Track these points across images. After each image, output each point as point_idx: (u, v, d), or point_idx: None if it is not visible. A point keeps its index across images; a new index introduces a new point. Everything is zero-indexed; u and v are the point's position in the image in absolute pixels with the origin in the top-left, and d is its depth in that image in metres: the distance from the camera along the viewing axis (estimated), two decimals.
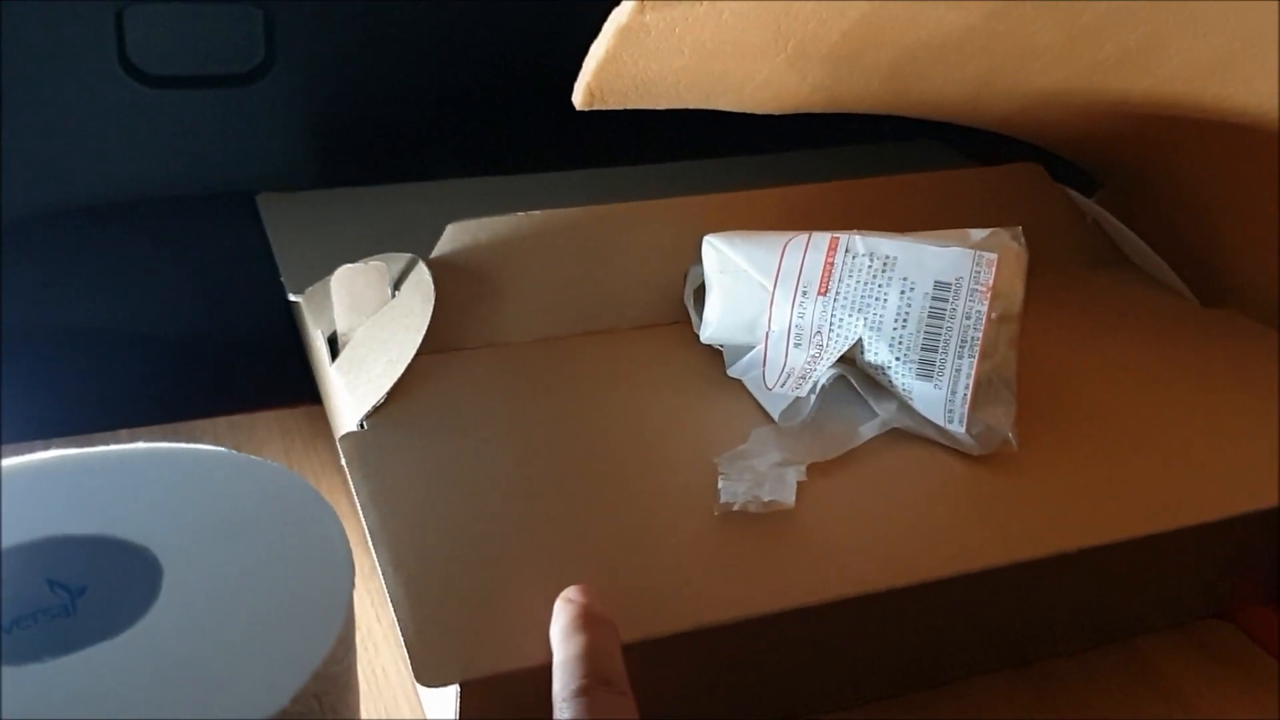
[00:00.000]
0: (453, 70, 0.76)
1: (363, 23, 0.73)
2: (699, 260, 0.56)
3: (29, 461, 0.35)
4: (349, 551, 0.32)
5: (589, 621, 0.37)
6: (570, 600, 0.38)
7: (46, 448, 0.56)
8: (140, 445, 0.36)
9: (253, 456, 0.36)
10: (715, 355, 0.54)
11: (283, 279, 0.60)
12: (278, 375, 0.66)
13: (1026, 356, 0.50)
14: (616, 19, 0.44)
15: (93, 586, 0.33)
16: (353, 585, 0.32)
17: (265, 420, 0.61)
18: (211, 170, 0.74)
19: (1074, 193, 0.66)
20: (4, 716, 0.26)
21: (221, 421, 0.60)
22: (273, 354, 0.68)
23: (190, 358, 0.70)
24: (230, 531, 0.32)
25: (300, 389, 0.63)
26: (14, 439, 0.58)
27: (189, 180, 0.73)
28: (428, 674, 0.36)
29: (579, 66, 0.50)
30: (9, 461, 0.35)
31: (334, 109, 0.75)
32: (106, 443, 0.57)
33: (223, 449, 0.36)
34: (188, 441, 0.57)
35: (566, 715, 0.33)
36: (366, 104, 0.76)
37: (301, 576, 0.31)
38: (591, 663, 0.35)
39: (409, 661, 0.37)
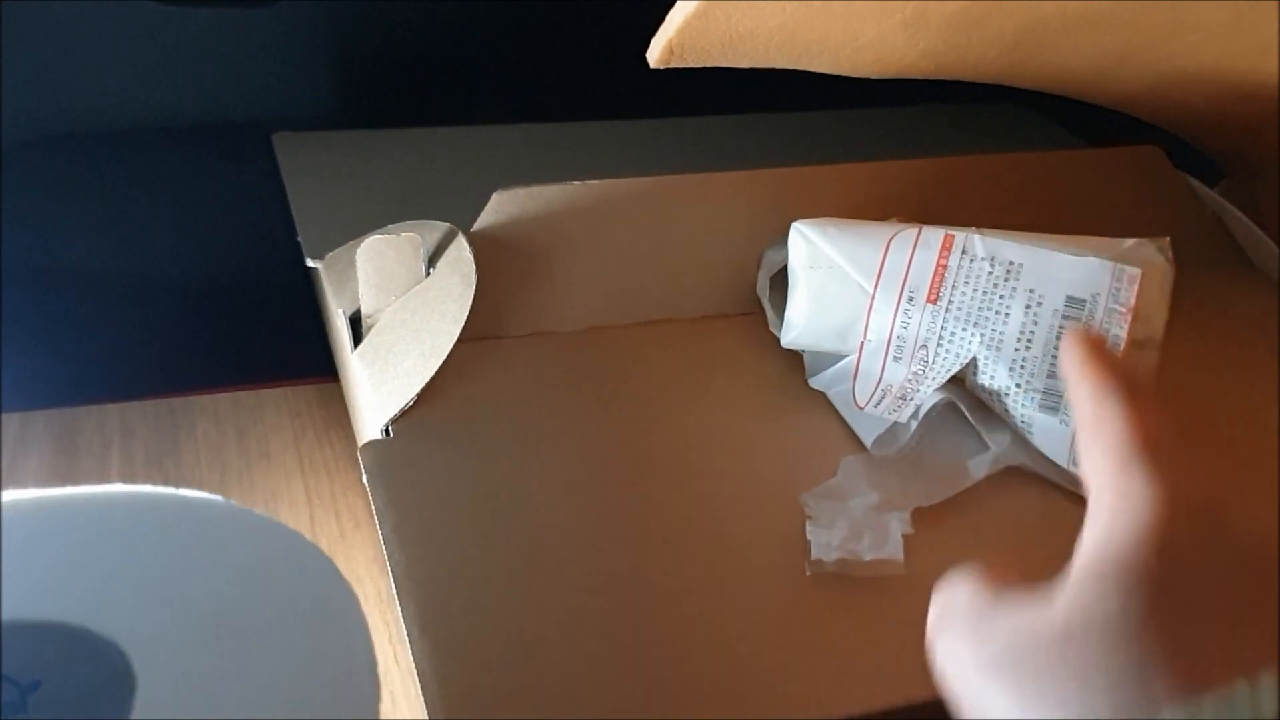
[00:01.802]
0: (492, 6, 0.70)
1: None
2: (778, 244, 0.50)
3: None
4: (375, 670, 0.25)
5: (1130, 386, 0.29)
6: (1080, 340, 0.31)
7: (24, 420, 0.51)
8: (121, 489, 0.29)
9: (257, 513, 0.29)
10: (795, 359, 0.49)
11: (300, 240, 0.53)
12: (290, 342, 0.61)
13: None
14: None
15: (50, 680, 0.26)
16: (377, 694, 0.25)
17: (273, 398, 0.55)
18: (223, 99, 0.69)
19: (1196, 182, 0.59)
20: None
21: (224, 398, 0.54)
22: (285, 316, 0.63)
23: (194, 312, 0.65)
24: (222, 629, 0.26)
25: (315, 360, 0.57)
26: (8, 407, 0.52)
27: (198, 109, 0.69)
28: None
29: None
30: None
31: (359, 37, 0.70)
32: (92, 419, 0.52)
33: (220, 499, 0.29)
34: (185, 424, 0.52)
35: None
36: (396, 33, 0.71)
37: (314, 700, 0.24)
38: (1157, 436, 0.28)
39: None
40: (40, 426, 0.51)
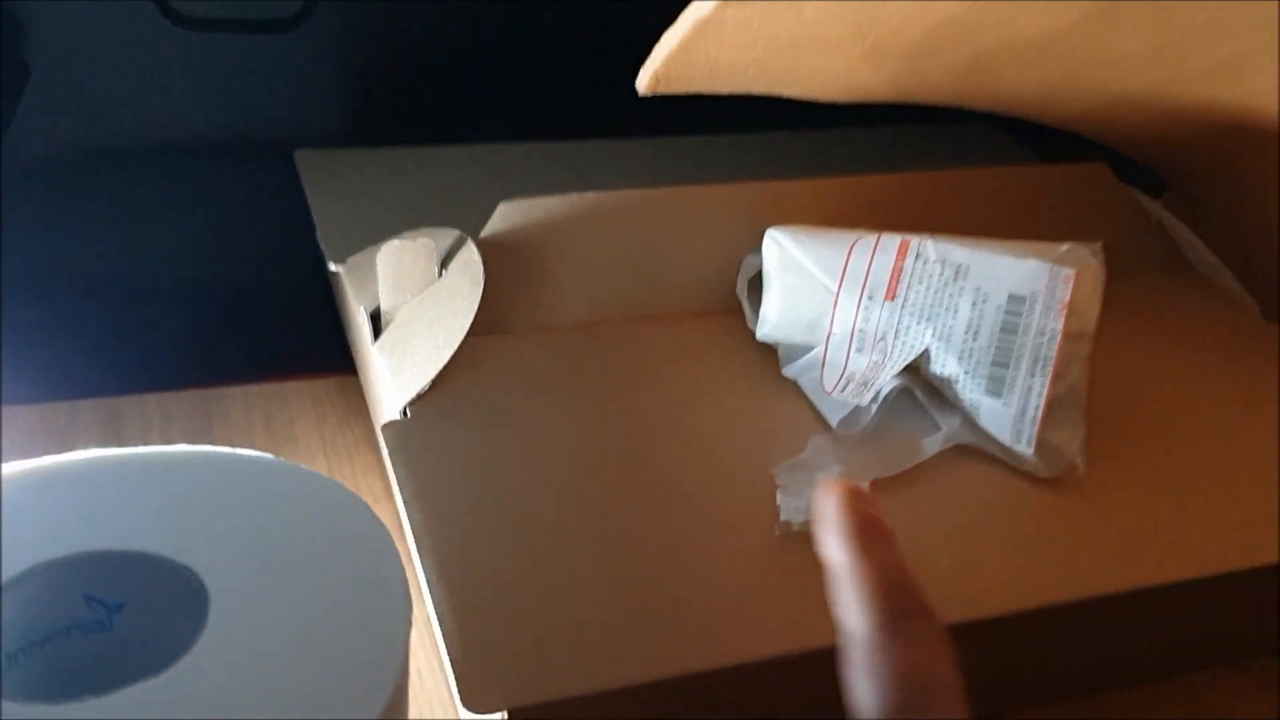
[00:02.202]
0: (499, 26, 0.74)
1: None
2: (755, 250, 0.54)
3: (66, 464, 0.33)
4: (407, 588, 0.31)
5: (875, 531, 0.31)
6: (847, 505, 0.31)
7: (73, 408, 0.56)
8: (186, 449, 0.34)
9: (304, 468, 0.34)
10: (769, 351, 0.53)
11: (322, 246, 0.58)
12: (311, 340, 0.65)
13: (1094, 373, 0.48)
14: (696, 12, 0.42)
15: (130, 605, 0.32)
16: (410, 627, 0.30)
17: (297, 390, 0.59)
18: (246, 118, 0.73)
19: (1140, 194, 0.64)
20: None
21: (253, 390, 0.59)
22: (306, 317, 0.67)
23: (220, 315, 0.69)
24: (280, 556, 0.31)
25: (334, 357, 0.62)
26: (41, 397, 0.56)
27: (223, 127, 0.72)
28: (475, 700, 0.35)
29: (633, 28, 0.48)
30: (45, 462, 0.33)
31: (375, 61, 0.74)
32: (134, 407, 0.57)
33: (272, 457, 0.34)
34: (219, 412, 0.57)
35: (888, 647, 0.28)
36: (410, 57, 0.74)
37: (357, 616, 0.30)
38: (901, 586, 0.30)
39: (455, 686, 0.35)
40: (88, 413, 0.56)
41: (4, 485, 0.32)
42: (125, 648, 0.31)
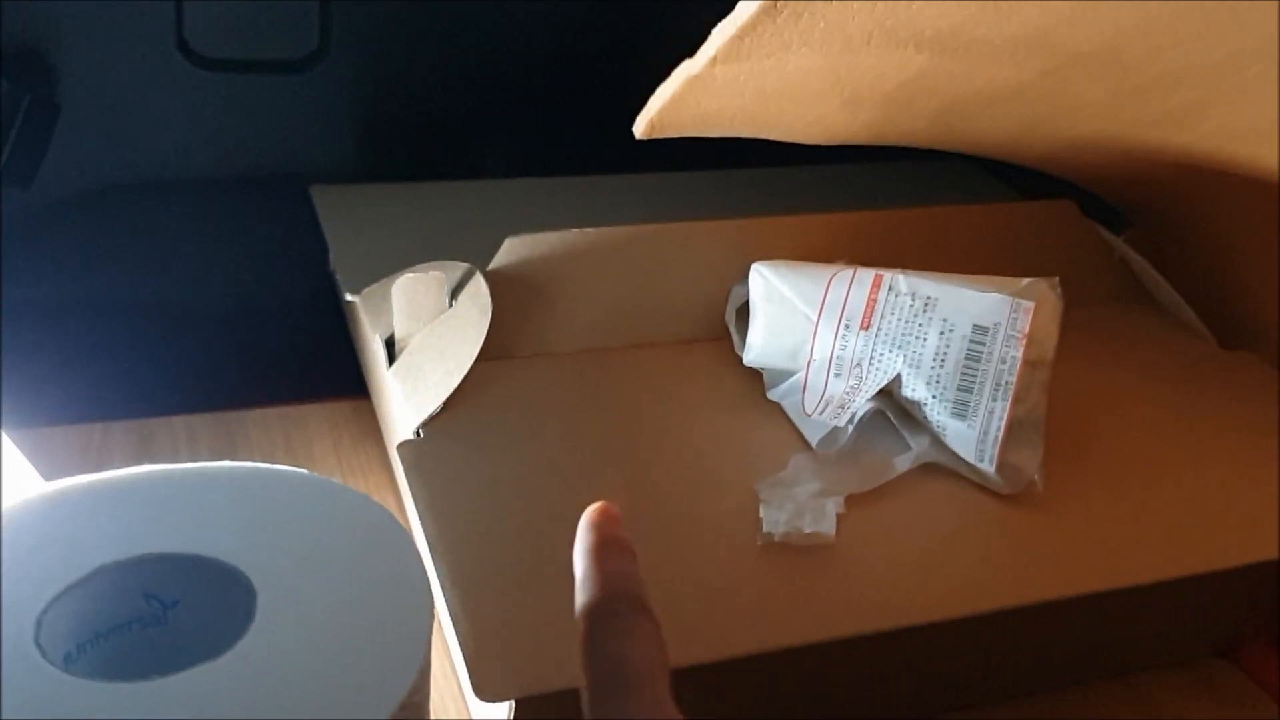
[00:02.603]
0: (505, 69, 0.78)
1: (417, 15, 0.75)
2: (742, 281, 0.58)
3: (127, 477, 0.37)
4: (428, 584, 0.35)
5: (611, 547, 0.35)
6: (591, 525, 0.37)
7: (106, 429, 0.60)
8: (231, 464, 0.38)
9: (336, 482, 0.38)
10: (755, 376, 0.57)
11: (338, 278, 0.62)
12: (325, 366, 0.68)
13: (1053, 395, 0.52)
14: (688, 69, 0.46)
15: (184, 601, 0.36)
16: (433, 617, 0.34)
17: (315, 413, 0.63)
18: (262, 154, 0.76)
19: (1104, 230, 0.68)
20: None
21: (272, 412, 0.62)
22: (320, 343, 0.70)
23: (240, 341, 0.72)
24: (319, 558, 0.35)
25: (348, 381, 0.65)
26: (76, 419, 0.60)
27: (240, 163, 0.76)
28: (486, 689, 0.39)
29: (630, 69, 0.52)
30: (110, 476, 0.37)
31: (385, 101, 0.77)
32: (162, 428, 0.61)
33: (306, 472, 0.38)
34: (241, 432, 0.61)
35: (600, 638, 0.32)
36: (420, 97, 0.78)
37: (386, 607, 0.34)
38: (619, 586, 0.34)
39: (467, 676, 0.39)
40: (120, 434, 0.60)
41: (73, 496, 0.36)
42: (180, 639, 0.35)
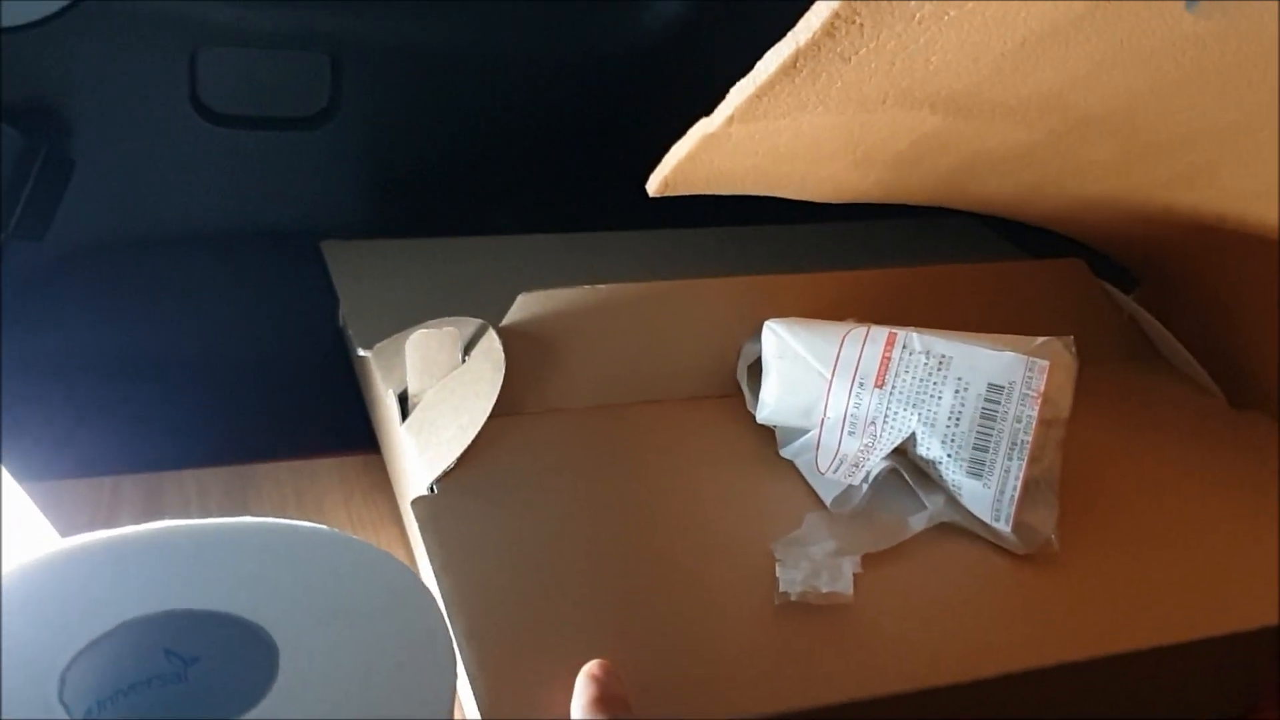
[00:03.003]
0: (512, 127, 0.79)
1: (426, 76, 0.76)
2: (754, 338, 0.58)
3: (147, 532, 0.37)
4: (451, 641, 0.34)
5: (607, 703, 0.39)
6: (591, 678, 0.40)
7: (116, 483, 0.60)
8: (251, 520, 0.38)
9: (356, 538, 0.38)
10: (766, 433, 0.57)
11: (349, 333, 0.62)
12: (334, 420, 0.68)
13: (1067, 454, 0.52)
14: (704, 128, 0.47)
15: (205, 658, 0.35)
16: (456, 678, 0.34)
17: (326, 467, 0.63)
18: (273, 210, 0.77)
19: (1113, 288, 0.68)
20: None
21: (284, 466, 0.62)
22: (329, 398, 0.70)
23: (255, 394, 0.73)
24: (342, 615, 0.35)
25: (358, 436, 0.65)
26: (86, 473, 0.60)
27: (251, 218, 0.77)
28: None
29: (636, 130, 0.53)
30: (130, 531, 0.37)
31: (394, 157, 0.79)
32: (173, 482, 0.61)
33: (326, 528, 0.38)
34: (252, 486, 0.61)
35: None
36: (426, 155, 0.79)
37: (410, 665, 0.33)
38: None
39: None
40: (130, 488, 0.60)
41: (94, 550, 0.36)
42: (201, 697, 0.35)
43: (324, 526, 0.39)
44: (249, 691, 0.32)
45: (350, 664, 0.33)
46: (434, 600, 0.36)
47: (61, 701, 0.31)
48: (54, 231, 0.69)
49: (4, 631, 0.33)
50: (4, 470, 0.49)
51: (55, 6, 0.65)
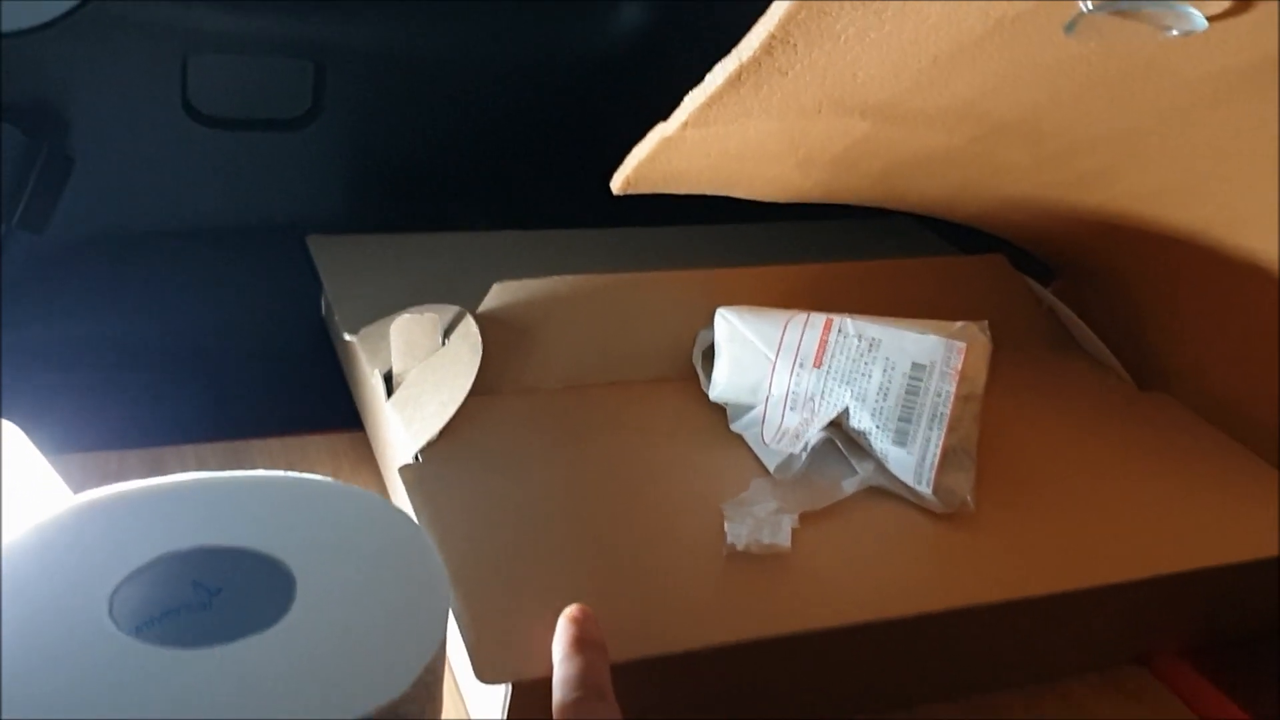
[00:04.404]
0: (487, 131, 0.84)
1: (404, 81, 0.81)
2: (709, 325, 0.64)
3: (181, 481, 0.43)
4: (445, 573, 0.40)
5: (585, 644, 0.44)
6: (571, 620, 0.46)
7: (121, 457, 0.64)
8: (269, 473, 0.44)
9: (362, 490, 0.44)
10: (718, 410, 0.62)
11: (335, 318, 0.67)
12: (318, 403, 0.73)
13: (986, 428, 0.59)
14: (662, 131, 0.52)
15: (228, 589, 0.41)
16: (450, 598, 0.39)
17: (315, 443, 0.68)
18: (260, 206, 0.82)
19: (1032, 281, 0.75)
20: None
21: (275, 442, 0.67)
22: (312, 383, 0.75)
23: (246, 377, 0.78)
24: (351, 552, 0.40)
25: (339, 417, 0.71)
26: (93, 447, 0.64)
27: (240, 214, 0.82)
28: (488, 673, 0.44)
29: (609, 131, 0.58)
30: (164, 479, 0.42)
31: (374, 157, 0.83)
32: (173, 456, 0.66)
33: (333, 480, 0.44)
34: (247, 460, 0.66)
35: (568, 715, 0.41)
36: (405, 155, 0.84)
37: (410, 589, 0.39)
38: (585, 678, 0.43)
39: (470, 661, 0.45)
40: (134, 461, 0.65)
41: (130, 495, 0.41)
42: (223, 623, 0.40)
43: (333, 480, 0.44)
44: (267, 616, 0.38)
45: (359, 591, 0.39)
46: (431, 544, 0.41)
47: (112, 618, 0.37)
48: (55, 225, 0.74)
49: (57, 559, 0.38)
50: (21, 435, 0.54)
51: (55, 11, 0.69)
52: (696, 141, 0.54)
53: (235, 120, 0.79)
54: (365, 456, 0.68)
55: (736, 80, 0.47)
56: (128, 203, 0.78)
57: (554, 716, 0.42)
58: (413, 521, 0.43)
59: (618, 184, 0.58)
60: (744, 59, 0.46)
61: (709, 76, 0.49)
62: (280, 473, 0.44)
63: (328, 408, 0.72)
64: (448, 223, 0.81)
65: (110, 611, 0.37)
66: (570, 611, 0.46)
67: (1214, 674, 0.60)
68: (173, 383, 0.76)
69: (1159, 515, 0.59)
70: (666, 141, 0.53)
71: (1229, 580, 0.58)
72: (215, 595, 0.41)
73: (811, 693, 0.53)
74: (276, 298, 0.81)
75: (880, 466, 0.58)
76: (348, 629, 0.37)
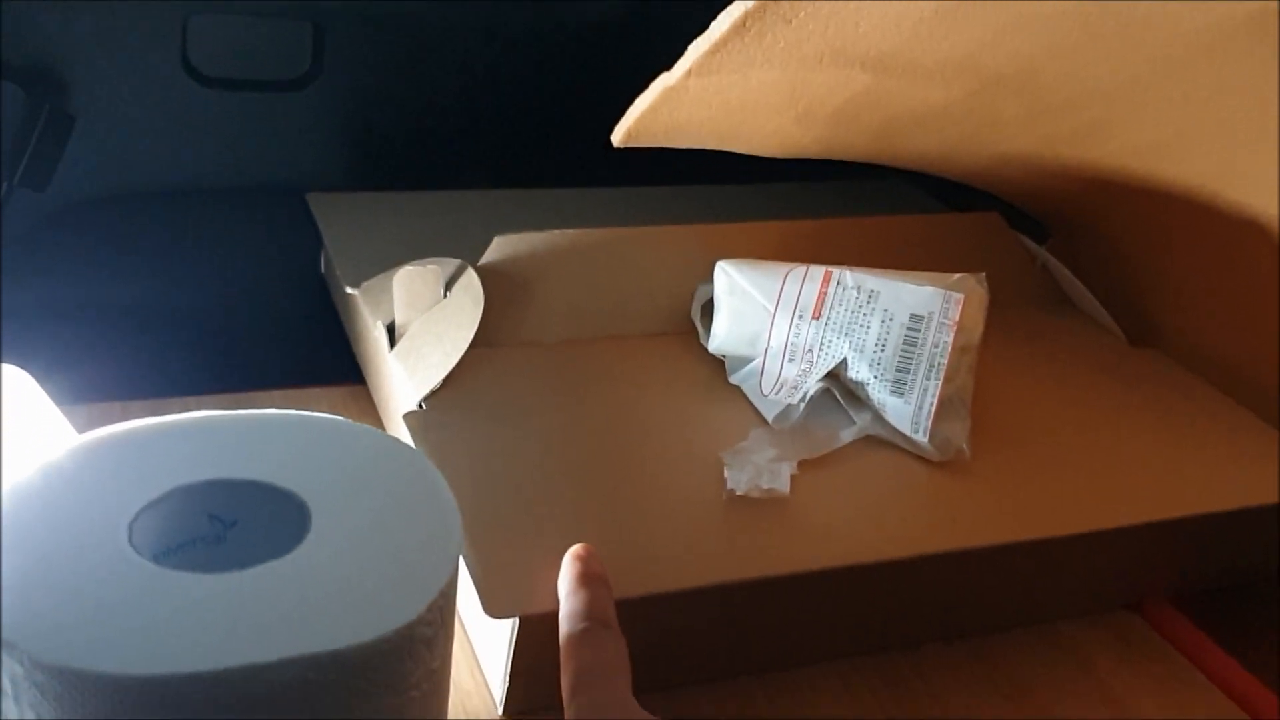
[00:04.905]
0: (486, 90, 0.85)
1: (403, 42, 0.82)
2: (707, 280, 0.65)
3: (196, 416, 0.43)
4: (455, 504, 0.41)
5: (589, 578, 0.46)
6: (576, 558, 0.47)
7: (125, 407, 0.65)
8: (282, 410, 0.44)
9: (371, 427, 0.44)
10: (717, 363, 0.63)
11: (337, 273, 0.68)
12: (318, 359, 0.74)
13: (981, 381, 0.60)
14: (665, 81, 0.53)
15: (243, 521, 0.42)
16: (461, 532, 0.40)
17: (316, 396, 0.69)
18: (261, 165, 0.83)
19: (1027, 240, 0.76)
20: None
21: (277, 394, 0.68)
22: (314, 336, 0.76)
23: (248, 332, 0.78)
24: (364, 485, 0.41)
25: (340, 371, 0.71)
26: (98, 398, 0.65)
27: (240, 173, 0.82)
28: (496, 608, 0.45)
29: (602, 94, 0.59)
30: (179, 415, 0.43)
31: (373, 117, 0.84)
32: (177, 407, 0.65)
33: (343, 419, 0.45)
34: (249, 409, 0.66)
35: (572, 649, 0.43)
36: (404, 114, 0.85)
37: (422, 520, 0.40)
38: (591, 610, 0.44)
39: (479, 597, 0.45)
40: (138, 411, 0.64)
41: (146, 430, 0.42)
42: (237, 555, 0.41)
43: (344, 418, 0.45)
44: (283, 547, 0.38)
45: (373, 522, 0.39)
46: (441, 479, 0.42)
47: (132, 545, 0.37)
48: (57, 183, 0.74)
49: (71, 493, 0.39)
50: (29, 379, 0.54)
51: None
52: (699, 92, 0.54)
53: (235, 81, 0.79)
54: (366, 409, 0.68)
55: (741, 27, 0.48)
56: (129, 162, 0.78)
57: (561, 647, 0.43)
58: (423, 457, 0.43)
59: (619, 136, 0.59)
60: (749, 5, 0.47)
61: (714, 24, 0.49)
62: (291, 411, 0.44)
63: (327, 366, 0.73)
64: (446, 183, 0.82)
65: (130, 539, 0.38)
66: (575, 550, 0.47)
67: (1205, 620, 0.61)
68: (173, 340, 0.77)
69: (1151, 465, 0.60)
70: (669, 91, 0.54)
71: (1220, 528, 0.59)
72: (230, 528, 0.42)
73: (809, 633, 0.54)
74: (276, 256, 0.81)
75: (877, 416, 0.59)
76: (363, 556, 0.38)
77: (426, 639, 0.37)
